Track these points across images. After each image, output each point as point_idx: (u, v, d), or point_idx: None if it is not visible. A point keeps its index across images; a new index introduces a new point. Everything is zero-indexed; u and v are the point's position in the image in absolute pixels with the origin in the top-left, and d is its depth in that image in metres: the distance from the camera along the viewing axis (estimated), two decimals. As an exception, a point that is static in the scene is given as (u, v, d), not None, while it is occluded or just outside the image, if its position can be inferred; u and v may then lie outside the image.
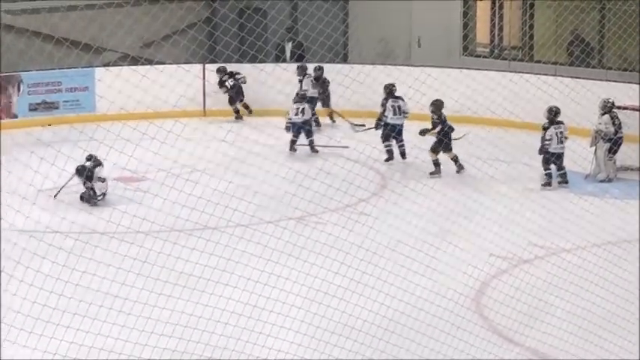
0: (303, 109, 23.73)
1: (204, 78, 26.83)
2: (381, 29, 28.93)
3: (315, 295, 13.10)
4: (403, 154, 22.58)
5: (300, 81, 26.21)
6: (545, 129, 20.68)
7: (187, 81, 24.55)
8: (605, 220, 16.95)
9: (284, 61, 28.77)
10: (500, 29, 29.28)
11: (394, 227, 15.80)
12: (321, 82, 26.36)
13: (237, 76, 26.99)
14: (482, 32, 29.41)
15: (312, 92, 25.99)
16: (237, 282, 13.14)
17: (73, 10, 28.15)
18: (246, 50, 25.86)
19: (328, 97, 26.40)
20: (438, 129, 22.17)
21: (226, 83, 26.90)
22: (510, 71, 25.36)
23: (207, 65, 27.14)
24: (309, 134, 23.60)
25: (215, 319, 12.60)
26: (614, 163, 20.84)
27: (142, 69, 23.86)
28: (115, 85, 23.87)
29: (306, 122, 23.72)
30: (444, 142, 21.66)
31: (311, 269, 13.42)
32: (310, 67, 26.69)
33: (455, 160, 21.83)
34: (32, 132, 23.53)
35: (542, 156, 20.61)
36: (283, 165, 20.24)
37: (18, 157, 18.39)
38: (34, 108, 26.42)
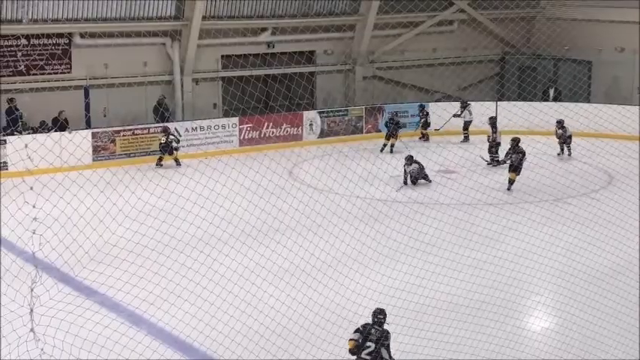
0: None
1: (496, 110, 26.33)
2: (612, 79, 28.81)
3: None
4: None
5: (463, 110, 27.13)
6: None
7: (482, 110, 26.27)
8: None
9: (546, 100, 28.86)
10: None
11: (619, 205, 16.09)
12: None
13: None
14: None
15: (469, 118, 27.19)
16: (518, 236, 14.50)
17: (417, 67, 30.63)
18: (522, 93, 28.51)
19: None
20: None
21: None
22: None
23: (498, 102, 27.42)
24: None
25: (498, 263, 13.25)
26: None
27: (455, 104, 27.52)
28: (440, 112, 27.53)
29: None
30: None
31: (565, 230, 14.63)
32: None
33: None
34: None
35: None
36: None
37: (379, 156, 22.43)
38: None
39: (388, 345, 10.20)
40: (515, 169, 21.09)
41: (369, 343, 10.14)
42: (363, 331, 10.21)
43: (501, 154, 23.56)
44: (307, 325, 11.53)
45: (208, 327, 11.17)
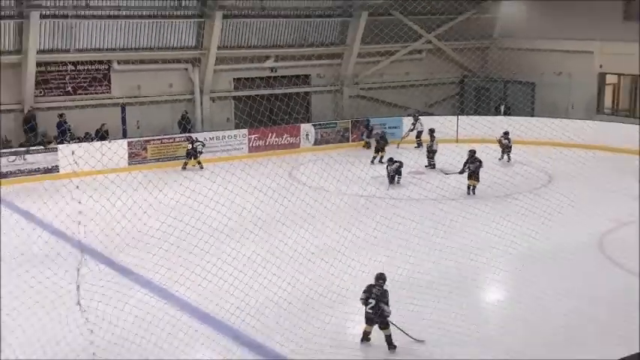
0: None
1: (457, 123, 26.85)
2: (551, 98, 28.62)
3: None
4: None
5: (415, 122, 26.59)
6: None
7: (445, 123, 26.17)
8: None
9: (498, 115, 28.39)
10: (618, 99, 28.50)
11: (557, 199, 15.85)
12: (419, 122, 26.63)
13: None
14: (607, 100, 28.53)
15: (421, 128, 26.47)
16: (476, 225, 14.47)
17: (393, 88, 29.95)
18: (478, 109, 28.41)
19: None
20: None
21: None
22: (621, 122, 26.13)
23: (459, 117, 27.32)
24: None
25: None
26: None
27: (423, 119, 27.27)
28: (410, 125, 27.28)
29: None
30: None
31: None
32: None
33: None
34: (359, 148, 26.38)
35: None
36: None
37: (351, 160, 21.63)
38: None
39: (387, 302, 10.37)
40: (472, 175, 20.08)
41: (370, 300, 10.38)
42: (367, 291, 10.48)
43: (437, 159, 23.04)
44: (303, 298, 11.56)
45: (222, 300, 11.22)
